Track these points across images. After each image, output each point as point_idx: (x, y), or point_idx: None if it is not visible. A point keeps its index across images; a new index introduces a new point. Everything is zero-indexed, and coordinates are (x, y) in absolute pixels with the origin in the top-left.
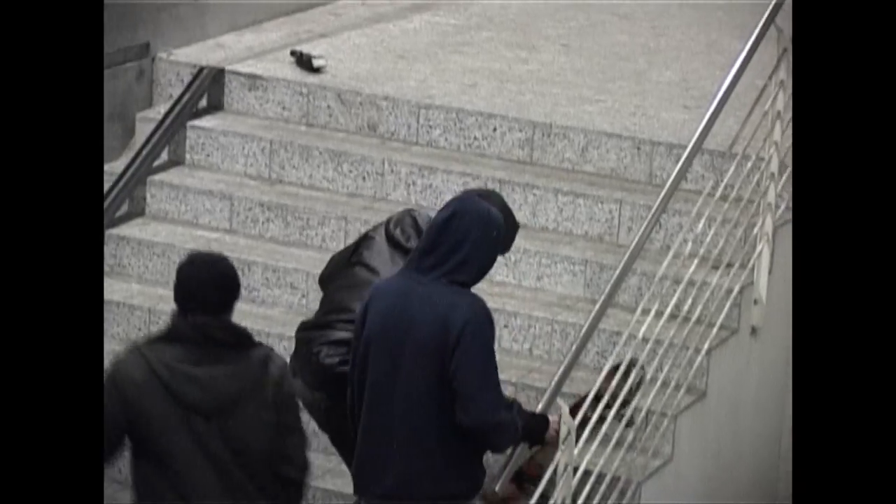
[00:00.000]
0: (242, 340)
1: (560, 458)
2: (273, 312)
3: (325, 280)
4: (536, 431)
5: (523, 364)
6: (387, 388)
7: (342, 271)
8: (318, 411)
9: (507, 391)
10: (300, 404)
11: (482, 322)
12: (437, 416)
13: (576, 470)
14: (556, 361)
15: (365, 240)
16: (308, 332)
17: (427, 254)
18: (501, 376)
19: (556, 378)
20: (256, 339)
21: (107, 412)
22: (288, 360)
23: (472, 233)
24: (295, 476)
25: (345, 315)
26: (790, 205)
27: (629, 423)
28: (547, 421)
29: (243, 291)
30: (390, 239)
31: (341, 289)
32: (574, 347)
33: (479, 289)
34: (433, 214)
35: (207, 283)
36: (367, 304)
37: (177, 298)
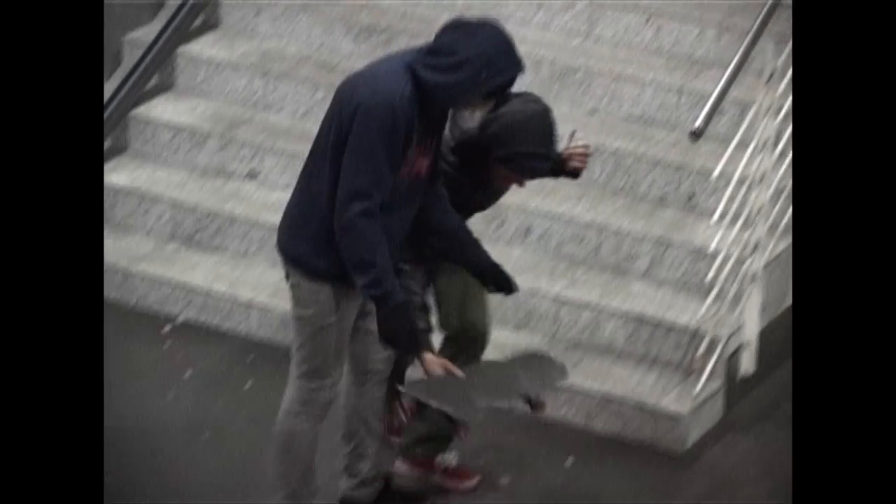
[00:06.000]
0: None
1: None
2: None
3: None
4: (402, 337)
5: None
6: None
7: None
8: None
9: None
10: None
11: (372, 111)
12: (319, 187)
13: None
14: None
15: None
16: None
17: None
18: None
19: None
20: None
21: None
22: None
23: (462, 52)
24: None
25: None
26: None
27: None
28: (419, 344)
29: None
30: None
31: None
32: None
33: None
34: None
35: None
36: None
37: None
